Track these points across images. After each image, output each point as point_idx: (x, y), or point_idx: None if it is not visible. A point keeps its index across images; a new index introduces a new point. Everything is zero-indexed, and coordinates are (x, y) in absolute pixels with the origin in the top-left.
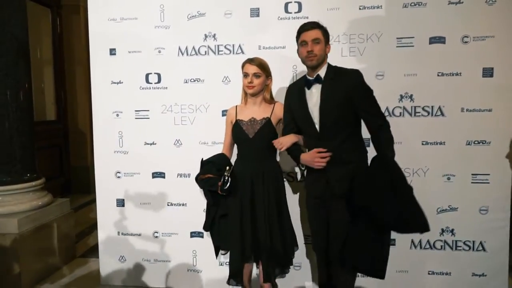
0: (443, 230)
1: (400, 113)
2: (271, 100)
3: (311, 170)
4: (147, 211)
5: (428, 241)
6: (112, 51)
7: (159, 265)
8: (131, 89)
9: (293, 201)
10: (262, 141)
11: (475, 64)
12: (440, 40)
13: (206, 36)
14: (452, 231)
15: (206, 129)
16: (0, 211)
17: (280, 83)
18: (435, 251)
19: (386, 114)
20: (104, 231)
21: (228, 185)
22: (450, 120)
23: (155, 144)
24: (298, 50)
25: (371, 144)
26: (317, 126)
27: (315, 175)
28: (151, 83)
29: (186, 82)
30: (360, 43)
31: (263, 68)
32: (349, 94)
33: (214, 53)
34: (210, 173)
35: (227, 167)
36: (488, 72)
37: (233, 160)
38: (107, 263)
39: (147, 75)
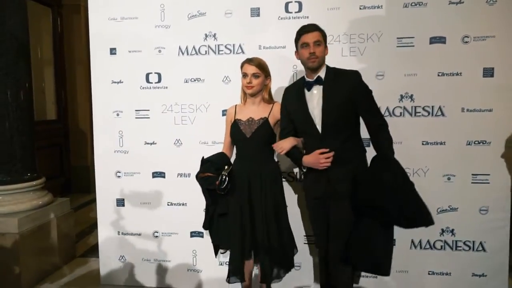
0: (443, 230)
1: (401, 113)
2: (270, 100)
3: (310, 171)
4: (147, 211)
5: (428, 241)
6: (113, 51)
7: (159, 265)
8: (132, 89)
9: (293, 201)
10: (259, 141)
11: (476, 64)
12: (440, 40)
13: (206, 35)
14: (452, 231)
15: (206, 129)
16: (0, 211)
17: (280, 83)
18: (435, 251)
19: (386, 114)
20: (104, 230)
21: (225, 184)
22: (451, 120)
23: (155, 143)
24: (297, 52)
25: (370, 144)
26: (319, 127)
27: (315, 176)
28: (152, 83)
29: (186, 82)
30: (361, 43)
31: (262, 68)
32: (350, 95)
33: (215, 52)
34: (209, 172)
35: (226, 167)
36: (488, 72)
37: (233, 159)
38: (107, 263)
39: (147, 75)
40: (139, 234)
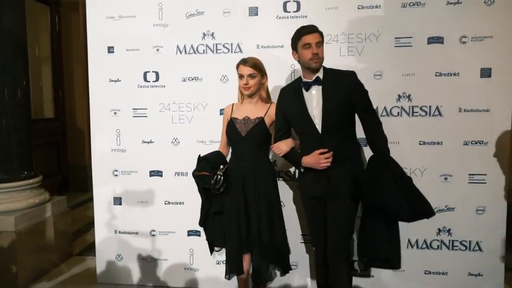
0: (439, 230)
1: (398, 112)
2: (267, 100)
3: (308, 171)
4: (144, 210)
5: (424, 240)
6: (110, 49)
7: (155, 264)
8: (129, 87)
9: (290, 200)
10: (254, 140)
11: (473, 64)
12: (438, 40)
13: (204, 34)
14: (449, 231)
15: (204, 128)
16: None
17: (277, 82)
18: (431, 250)
19: (384, 113)
20: (101, 229)
21: (220, 184)
22: (448, 120)
23: (153, 142)
24: (295, 53)
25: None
26: (318, 127)
27: (313, 175)
28: (149, 81)
29: (184, 81)
30: (359, 42)
31: (258, 68)
32: (348, 95)
33: (212, 51)
34: (205, 170)
35: (221, 166)
36: (486, 73)
37: (229, 158)
38: (104, 261)
39: (145, 73)
40: (136, 233)
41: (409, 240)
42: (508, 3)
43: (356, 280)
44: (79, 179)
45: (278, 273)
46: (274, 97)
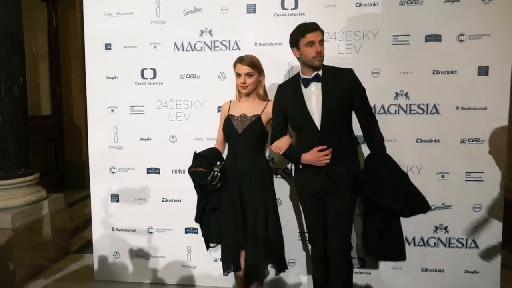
0: (436, 228)
1: (395, 110)
2: (264, 97)
3: (306, 167)
4: (141, 207)
5: (421, 238)
6: (108, 46)
7: (153, 261)
8: (126, 85)
9: (288, 197)
10: (251, 137)
11: (471, 62)
12: (436, 38)
13: (202, 31)
14: (445, 228)
15: (202, 125)
16: None
17: (275, 79)
18: (428, 248)
19: (381, 111)
20: (99, 226)
21: (217, 180)
22: (445, 118)
23: (150, 139)
24: (296, 50)
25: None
26: (317, 123)
27: (312, 171)
28: (147, 79)
29: (181, 78)
30: (356, 40)
31: (255, 67)
32: (347, 92)
33: (210, 49)
34: (201, 166)
35: (218, 162)
36: (483, 71)
37: (225, 155)
38: (101, 259)
39: (142, 71)
40: (134, 230)
41: (406, 238)
42: (506, 1)
43: (353, 277)
44: (76, 176)
45: (273, 271)
46: (272, 94)
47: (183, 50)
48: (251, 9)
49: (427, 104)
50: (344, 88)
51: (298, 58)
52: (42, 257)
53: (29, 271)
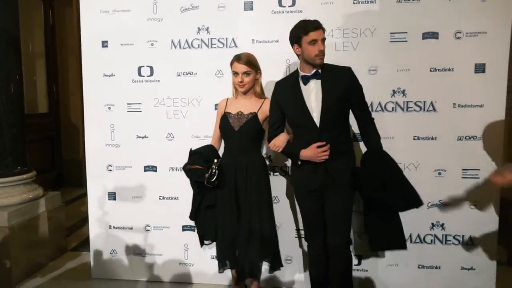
0: (433, 225)
1: (393, 108)
2: (261, 95)
3: (304, 163)
4: (138, 205)
5: (418, 235)
6: (104, 44)
7: (150, 259)
8: (123, 82)
9: (285, 195)
10: (247, 135)
11: (467, 59)
12: (433, 35)
13: (199, 29)
14: (442, 225)
15: (199, 123)
16: None
17: (272, 77)
18: (425, 245)
19: (379, 109)
20: (96, 224)
21: (215, 177)
22: (442, 115)
23: (147, 137)
24: (298, 47)
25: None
26: (316, 120)
27: (311, 167)
28: (144, 76)
29: (178, 76)
30: (354, 37)
31: (252, 65)
32: (346, 89)
33: (207, 46)
34: (198, 164)
35: (215, 160)
36: (480, 68)
37: (221, 152)
38: (98, 257)
39: (139, 68)
40: (131, 228)
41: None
42: None
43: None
44: (73, 175)
45: (266, 270)
46: (269, 92)
47: (180, 47)
48: (248, 6)
49: (424, 102)
50: (343, 86)
51: (298, 55)
52: (39, 255)
53: (26, 269)
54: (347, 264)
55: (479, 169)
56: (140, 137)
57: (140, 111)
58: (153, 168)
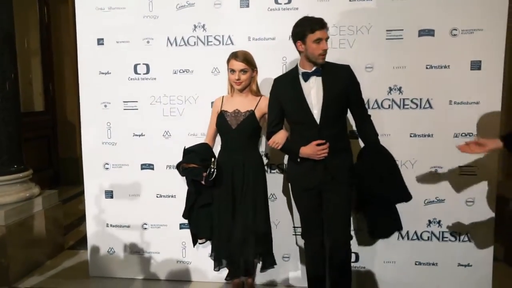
0: (430, 222)
1: (389, 105)
2: (257, 93)
3: (303, 161)
4: (135, 203)
5: (415, 232)
6: (100, 41)
7: (148, 257)
8: (119, 80)
9: (283, 192)
10: (245, 133)
11: (464, 57)
12: (429, 32)
13: (195, 26)
14: (439, 222)
15: (195, 121)
16: None
17: (268, 75)
18: (422, 242)
19: (375, 106)
20: (93, 223)
21: (213, 176)
22: (438, 112)
23: (144, 135)
24: (301, 43)
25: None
26: (317, 117)
27: (310, 165)
28: (140, 74)
29: (175, 73)
30: (350, 35)
31: (249, 63)
32: (346, 86)
33: (204, 44)
34: (194, 162)
35: (213, 159)
36: (476, 65)
37: (215, 150)
38: (96, 255)
39: (135, 66)
40: (128, 226)
41: (399, 232)
42: None
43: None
44: (70, 173)
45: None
46: (265, 89)
47: (176, 45)
48: (245, 3)
49: (421, 99)
50: (342, 83)
51: (300, 52)
52: (36, 253)
53: (23, 268)
54: (347, 260)
55: (475, 166)
56: (136, 135)
57: (137, 109)
58: (150, 166)
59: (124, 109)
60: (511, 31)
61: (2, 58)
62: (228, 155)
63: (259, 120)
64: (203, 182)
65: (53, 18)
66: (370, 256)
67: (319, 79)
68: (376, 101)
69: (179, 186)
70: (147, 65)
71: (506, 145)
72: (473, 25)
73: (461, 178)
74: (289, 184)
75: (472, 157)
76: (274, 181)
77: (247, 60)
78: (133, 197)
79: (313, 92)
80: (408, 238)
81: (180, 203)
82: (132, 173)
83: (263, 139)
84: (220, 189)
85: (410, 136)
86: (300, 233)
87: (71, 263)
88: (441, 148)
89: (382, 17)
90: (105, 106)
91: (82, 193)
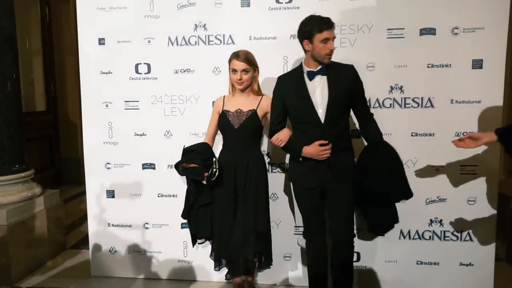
0: (431, 221)
1: (390, 104)
2: (258, 92)
3: (305, 160)
4: (137, 202)
5: (417, 231)
6: (101, 41)
7: (149, 256)
8: (121, 80)
9: (285, 191)
10: (247, 132)
11: (465, 55)
12: (430, 31)
13: (196, 26)
14: (440, 221)
15: (196, 120)
16: None
17: (270, 74)
18: (423, 241)
19: (376, 105)
20: (94, 222)
21: (216, 176)
22: (440, 111)
23: (145, 135)
24: (310, 43)
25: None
26: (321, 116)
27: (313, 164)
28: (141, 74)
29: (176, 73)
30: (351, 34)
31: (251, 63)
32: (350, 86)
33: (205, 43)
34: (195, 162)
35: (214, 159)
36: (477, 64)
37: (215, 149)
38: (98, 255)
39: (136, 65)
40: (130, 226)
41: (401, 231)
42: None
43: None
44: (72, 173)
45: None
46: (266, 88)
47: (177, 44)
48: (246, 3)
49: (422, 98)
50: (347, 82)
51: (306, 51)
52: (38, 253)
53: (25, 267)
54: (350, 259)
55: (476, 165)
56: (138, 134)
57: (138, 109)
58: (151, 166)
59: (126, 109)
60: None
61: (3, 58)
62: (230, 155)
63: (261, 120)
64: (204, 182)
65: (54, 18)
66: (371, 256)
67: (324, 78)
68: (377, 100)
69: (181, 186)
70: (148, 65)
71: (499, 139)
72: (474, 24)
73: (463, 177)
74: (291, 183)
75: (474, 156)
76: (276, 180)
77: (249, 60)
78: (134, 196)
79: (318, 91)
80: (409, 238)
81: (181, 203)
82: (133, 172)
83: (265, 138)
84: (221, 188)
85: (412, 135)
86: (301, 233)
87: (73, 262)
88: (443, 147)
89: (383, 16)
90: (107, 105)
91: (83, 192)
